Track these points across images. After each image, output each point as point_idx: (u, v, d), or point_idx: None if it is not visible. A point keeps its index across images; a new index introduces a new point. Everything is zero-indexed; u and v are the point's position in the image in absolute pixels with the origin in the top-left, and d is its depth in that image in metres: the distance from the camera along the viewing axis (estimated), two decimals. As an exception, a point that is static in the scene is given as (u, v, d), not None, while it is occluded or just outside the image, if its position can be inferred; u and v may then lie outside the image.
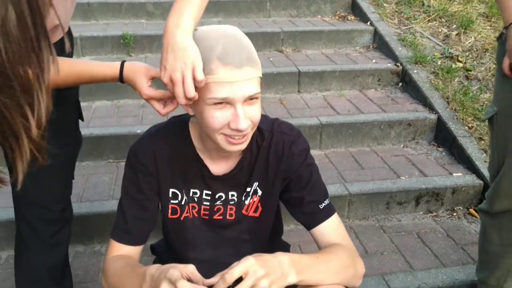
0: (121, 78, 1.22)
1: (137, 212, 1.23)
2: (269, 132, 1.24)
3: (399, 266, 2.04)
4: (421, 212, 2.42)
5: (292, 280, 1.00)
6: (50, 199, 1.50)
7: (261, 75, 1.08)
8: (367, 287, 1.86)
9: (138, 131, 2.53)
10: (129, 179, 1.23)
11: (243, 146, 1.11)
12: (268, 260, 0.98)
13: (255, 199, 1.27)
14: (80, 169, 2.48)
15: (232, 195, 1.26)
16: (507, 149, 1.52)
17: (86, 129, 2.59)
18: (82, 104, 2.91)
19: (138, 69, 1.22)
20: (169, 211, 1.26)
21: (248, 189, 1.26)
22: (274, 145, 1.23)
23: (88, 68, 1.23)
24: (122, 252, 1.22)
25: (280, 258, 1.01)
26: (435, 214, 2.42)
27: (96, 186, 2.34)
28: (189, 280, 0.95)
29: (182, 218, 1.27)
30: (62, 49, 1.30)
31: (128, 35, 3.42)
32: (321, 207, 1.23)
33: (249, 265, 0.94)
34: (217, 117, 1.05)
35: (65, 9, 1.28)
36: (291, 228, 2.22)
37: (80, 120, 1.56)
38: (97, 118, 2.84)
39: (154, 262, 1.51)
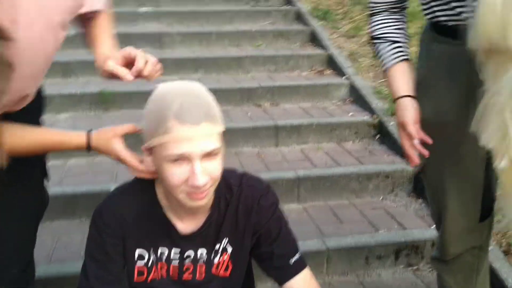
0: (88, 148, 1.23)
1: (100, 275, 1.19)
2: (237, 187, 1.24)
3: (379, 324, 1.97)
4: (401, 266, 2.37)
5: None
6: (7, 258, 1.44)
7: (222, 130, 1.09)
8: None
9: (112, 189, 2.48)
10: (93, 240, 1.20)
11: (204, 201, 1.11)
12: None
13: (225, 257, 1.25)
14: (51, 229, 2.41)
15: (201, 254, 1.24)
16: (441, 197, 1.53)
17: (58, 187, 2.54)
18: (56, 162, 2.91)
19: (105, 134, 1.23)
20: (135, 273, 1.23)
21: (217, 247, 1.24)
22: (243, 199, 1.23)
23: (52, 138, 1.24)
24: None
25: None
26: (415, 268, 2.37)
27: (67, 247, 2.27)
28: None
29: (149, 280, 1.23)
30: (29, 110, 1.30)
31: (106, 93, 3.44)
32: (291, 262, 1.23)
33: None
34: (175, 174, 1.05)
35: (34, 80, 1.27)
36: (268, 286, 2.16)
37: (46, 180, 1.53)
38: (71, 176, 2.79)
39: None
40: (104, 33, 1.39)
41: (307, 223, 2.53)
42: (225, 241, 1.24)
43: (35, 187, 1.47)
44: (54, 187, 2.52)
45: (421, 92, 1.49)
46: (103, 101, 3.46)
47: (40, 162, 1.48)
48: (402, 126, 1.48)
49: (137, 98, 3.27)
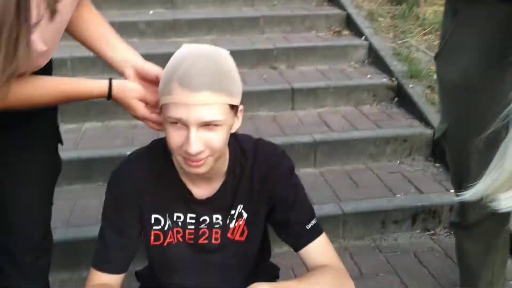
0: (109, 97, 1.21)
1: (117, 240, 1.20)
2: (252, 153, 1.22)
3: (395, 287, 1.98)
4: (418, 231, 2.36)
5: None
6: (29, 226, 1.46)
7: (231, 103, 1.05)
8: (362, 311, 1.80)
9: (128, 153, 2.47)
10: (109, 205, 1.21)
11: (202, 170, 1.08)
12: None
13: (240, 222, 1.24)
14: (68, 193, 2.44)
15: (217, 219, 1.23)
16: (465, 161, 1.50)
17: (74, 151, 2.56)
18: (71, 126, 2.92)
19: (129, 91, 1.21)
20: (152, 237, 1.23)
21: (233, 212, 1.23)
22: (258, 166, 1.21)
23: (72, 85, 1.21)
24: (102, 280, 1.19)
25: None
26: (432, 232, 2.35)
27: (85, 211, 2.30)
28: None
29: (165, 244, 1.24)
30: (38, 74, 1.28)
31: (120, 56, 3.40)
32: (308, 228, 1.21)
33: None
34: (174, 136, 1.04)
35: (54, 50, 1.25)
36: (284, 251, 2.15)
37: (60, 144, 1.53)
38: (87, 140, 2.80)
39: None
40: (108, 33, 1.33)
41: (323, 188, 2.52)
42: (240, 207, 1.23)
43: (49, 151, 1.46)
44: (70, 151, 2.55)
45: (449, 54, 1.44)
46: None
47: (54, 125, 1.47)
48: None
49: (152, 61, 3.22)
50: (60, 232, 2.09)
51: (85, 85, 1.21)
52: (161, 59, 1.28)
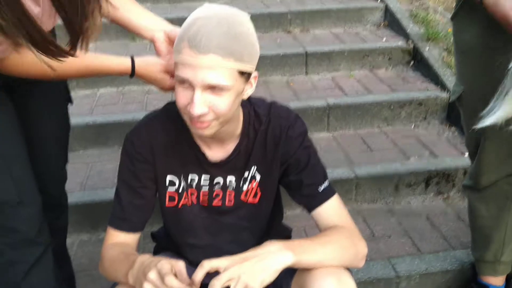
0: (132, 74, 1.23)
1: (133, 200, 1.23)
2: (266, 117, 1.22)
3: (406, 249, 1.99)
4: (432, 194, 2.36)
5: (289, 259, 1.01)
6: (50, 184, 1.50)
7: (241, 69, 1.02)
8: (373, 271, 1.82)
9: (142, 118, 2.51)
10: (125, 166, 1.23)
11: (206, 132, 1.08)
12: (248, 257, 1.00)
13: (253, 184, 1.26)
14: (84, 157, 2.48)
15: (230, 181, 1.25)
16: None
17: (89, 116, 2.59)
18: (86, 92, 2.94)
19: (152, 65, 1.23)
20: (167, 199, 1.26)
21: (246, 174, 1.25)
22: (271, 129, 1.22)
23: (95, 62, 1.22)
24: (119, 239, 1.23)
25: (270, 246, 1.02)
26: (446, 196, 2.35)
27: (100, 174, 2.34)
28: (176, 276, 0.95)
29: (180, 206, 1.27)
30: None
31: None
32: (320, 190, 1.22)
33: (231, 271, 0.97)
34: (180, 95, 1.04)
35: None
36: (296, 213, 2.19)
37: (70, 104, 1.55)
38: (102, 105, 2.83)
39: (155, 249, 1.52)
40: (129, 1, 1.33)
41: (336, 152, 2.52)
42: (253, 169, 1.25)
43: (63, 110, 1.49)
44: (85, 116, 2.59)
45: (465, 14, 1.42)
46: (131, 30, 3.41)
47: (65, 84, 1.49)
48: None
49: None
50: (77, 194, 2.14)
51: (109, 62, 1.23)
52: (175, 24, 1.28)
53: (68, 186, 1.63)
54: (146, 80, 1.26)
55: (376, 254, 1.95)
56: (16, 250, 1.25)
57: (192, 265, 1.37)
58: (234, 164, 1.23)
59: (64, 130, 1.52)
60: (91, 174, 2.34)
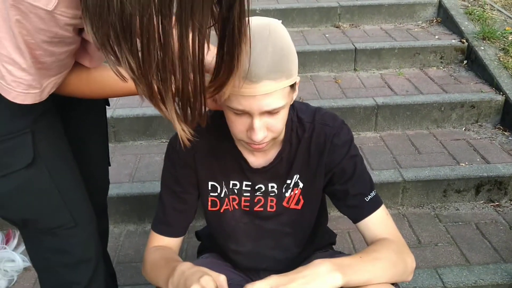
0: None
1: (176, 205, 1.24)
2: (310, 124, 1.20)
3: (454, 259, 1.94)
4: (482, 202, 2.29)
5: (338, 282, 0.97)
6: (94, 190, 1.51)
7: (291, 84, 1.02)
8: (419, 280, 1.79)
9: (190, 111, 2.53)
10: (167, 171, 1.25)
11: (264, 150, 1.11)
12: (295, 278, 0.96)
13: (296, 191, 1.24)
14: (133, 148, 2.53)
15: (272, 187, 1.24)
16: None
17: (139, 108, 2.63)
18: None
19: None
20: (209, 203, 1.27)
21: (288, 181, 1.23)
22: (315, 137, 1.19)
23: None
24: (161, 243, 1.25)
25: (319, 267, 0.98)
26: (497, 204, 2.27)
27: (148, 166, 2.39)
28: None
29: (222, 211, 1.27)
30: None
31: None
32: (367, 200, 1.19)
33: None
34: (236, 124, 1.05)
35: None
36: (340, 215, 2.16)
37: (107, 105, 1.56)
38: (151, 97, 2.86)
39: (199, 248, 1.54)
40: None
41: (383, 153, 2.47)
42: (296, 177, 1.23)
43: (103, 111, 1.50)
44: (135, 108, 2.63)
45: None
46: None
47: None
48: None
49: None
50: (126, 186, 2.19)
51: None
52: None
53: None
54: None
55: (422, 262, 1.91)
56: (72, 271, 1.26)
57: (237, 269, 1.39)
58: (276, 171, 1.22)
59: (104, 134, 1.54)
60: (139, 166, 2.38)
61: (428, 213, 2.24)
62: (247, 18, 0.82)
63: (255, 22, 1.00)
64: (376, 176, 2.21)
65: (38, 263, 1.27)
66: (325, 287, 0.95)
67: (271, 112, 1.01)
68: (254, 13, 3.14)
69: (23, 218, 1.16)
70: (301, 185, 1.24)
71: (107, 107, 1.51)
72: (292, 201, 1.26)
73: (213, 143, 1.21)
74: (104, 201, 1.59)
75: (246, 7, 0.80)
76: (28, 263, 1.93)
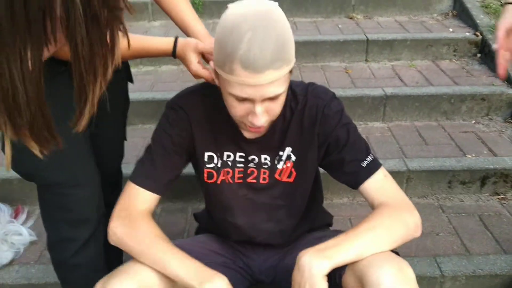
0: (173, 54, 1.28)
1: (164, 161, 1.24)
2: (303, 97, 1.23)
3: (454, 248, 1.94)
4: (487, 194, 2.27)
5: (325, 266, 1.02)
6: (108, 161, 1.57)
7: (291, 68, 1.06)
8: (417, 268, 1.80)
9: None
10: (163, 130, 1.25)
11: (260, 134, 1.17)
12: None
13: (288, 164, 1.27)
14: (142, 131, 2.58)
15: (265, 159, 1.27)
16: None
17: (149, 92, 2.68)
18: (149, 68, 3.04)
19: (188, 44, 1.26)
20: (205, 175, 1.29)
21: (281, 153, 1.26)
22: (308, 109, 1.23)
23: (144, 43, 1.28)
24: (141, 198, 1.21)
25: (302, 258, 1.06)
26: (502, 196, 2.26)
27: (156, 149, 2.42)
28: None
29: (219, 182, 1.30)
30: None
31: (197, 0, 3.44)
32: (363, 165, 1.21)
33: None
34: (237, 108, 1.09)
35: None
36: (343, 201, 2.18)
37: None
38: (162, 82, 2.91)
39: (197, 229, 1.59)
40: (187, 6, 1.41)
41: (389, 143, 2.47)
42: (289, 149, 1.26)
43: (120, 90, 1.54)
44: (146, 92, 2.68)
45: None
46: (195, 9, 3.46)
47: (125, 65, 1.55)
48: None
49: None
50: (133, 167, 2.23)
51: (154, 43, 1.28)
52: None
53: (126, 158, 1.70)
54: (182, 60, 1.28)
55: (422, 251, 1.92)
56: (72, 228, 1.33)
57: (235, 244, 1.42)
58: (269, 142, 1.25)
59: (123, 109, 1.58)
60: (147, 148, 2.42)
61: (431, 203, 2.24)
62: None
63: (255, 8, 1.03)
64: (381, 165, 2.21)
65: (44, 217, 1.36)
66: (317, 279, 1.01)
67: (272, 98, 1.06)
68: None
69: (26, 172, 1.23)
70: (293, 158, 1.27)
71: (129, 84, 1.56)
72: (284, 173, 1.28)
73: (208, 113, 1.24)
74: (116, 170, 1.64)
75: None
76: (35, 237, 1.99)
